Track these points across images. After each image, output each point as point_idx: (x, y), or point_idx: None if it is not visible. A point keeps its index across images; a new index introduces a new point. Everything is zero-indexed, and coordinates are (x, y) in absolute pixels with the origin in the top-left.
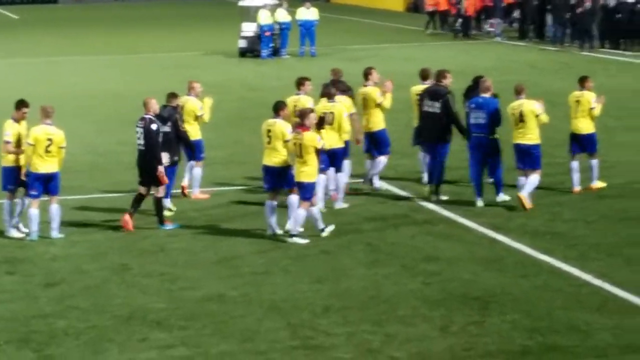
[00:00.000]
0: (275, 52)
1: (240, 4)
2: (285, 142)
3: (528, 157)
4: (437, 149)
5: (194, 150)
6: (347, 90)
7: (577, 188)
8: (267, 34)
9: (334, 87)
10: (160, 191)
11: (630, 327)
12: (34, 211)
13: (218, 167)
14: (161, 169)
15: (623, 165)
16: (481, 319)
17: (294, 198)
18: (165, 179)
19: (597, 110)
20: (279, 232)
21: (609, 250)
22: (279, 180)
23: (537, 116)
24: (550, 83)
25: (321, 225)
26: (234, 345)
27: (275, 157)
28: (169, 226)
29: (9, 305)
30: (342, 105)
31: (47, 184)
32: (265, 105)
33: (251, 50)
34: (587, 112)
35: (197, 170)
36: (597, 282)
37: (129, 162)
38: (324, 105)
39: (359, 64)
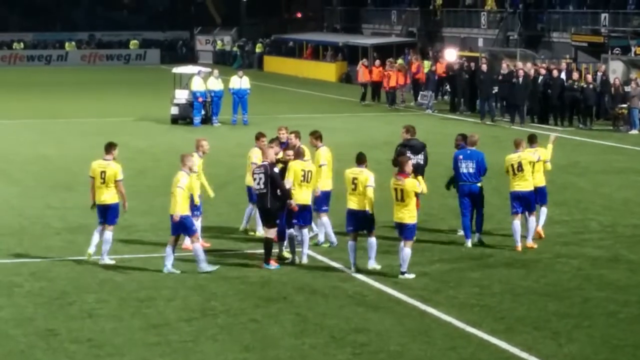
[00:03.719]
0: (207, 120)
1: (174, 71)
2: (367, 187)
3: (526, 202)
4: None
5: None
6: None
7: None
8: (200, 100)
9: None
10: (271, 232)
11: None
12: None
13: (146, 234)
14: (292, 202)
15: (551, 238)
16: None
17: (373, 240)
18: (295, 206)
19: (549, 164)
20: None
21: (535, 324)
22: (362, 223)
23: (534, 163)
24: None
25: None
26: None
27: (361, 202)
28: (272, 266)
29: None
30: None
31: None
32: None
33: (183, 118)
34: (542, 166)
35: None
36: (524, 355)
37: (58, 227)
38: (301, 163)
39: None
